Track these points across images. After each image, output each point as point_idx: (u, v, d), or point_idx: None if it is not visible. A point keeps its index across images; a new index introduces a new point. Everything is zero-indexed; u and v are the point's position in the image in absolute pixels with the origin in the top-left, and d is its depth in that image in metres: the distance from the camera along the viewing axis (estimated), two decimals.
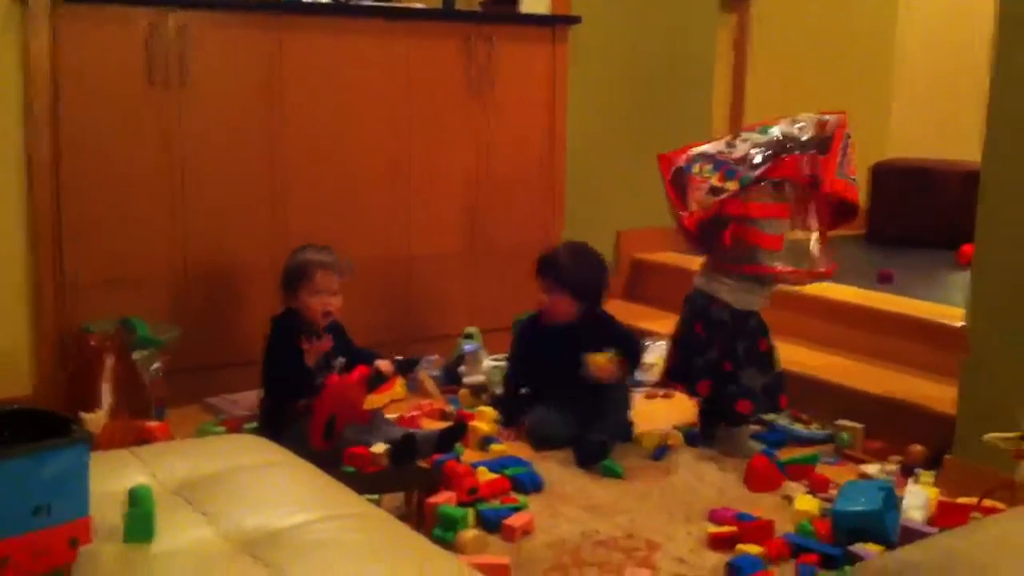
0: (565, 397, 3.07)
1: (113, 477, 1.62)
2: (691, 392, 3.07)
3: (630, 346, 3.15)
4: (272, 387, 3.01)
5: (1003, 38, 2.59)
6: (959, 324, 2.89)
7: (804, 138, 2.89)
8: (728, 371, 2.93)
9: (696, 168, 2.90)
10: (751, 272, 2.90)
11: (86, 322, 3.11)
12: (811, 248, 2.88)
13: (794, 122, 2.93)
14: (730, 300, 2.93)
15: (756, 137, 2.91)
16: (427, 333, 3.79)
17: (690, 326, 2.99)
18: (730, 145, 2.92)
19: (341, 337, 3.10)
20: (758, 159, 2.86)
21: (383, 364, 3.04)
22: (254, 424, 3.06)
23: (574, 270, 3.16)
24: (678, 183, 2.95)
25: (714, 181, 2.85)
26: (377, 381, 3.02)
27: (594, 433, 2.92)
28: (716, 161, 2.88)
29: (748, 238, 2.86)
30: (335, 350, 3.03)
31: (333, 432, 2.77)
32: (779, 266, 2.87)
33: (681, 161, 2.94)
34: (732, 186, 2.83)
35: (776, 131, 2.91)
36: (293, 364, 2.91)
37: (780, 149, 2.88)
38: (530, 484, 2.69)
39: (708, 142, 3.03)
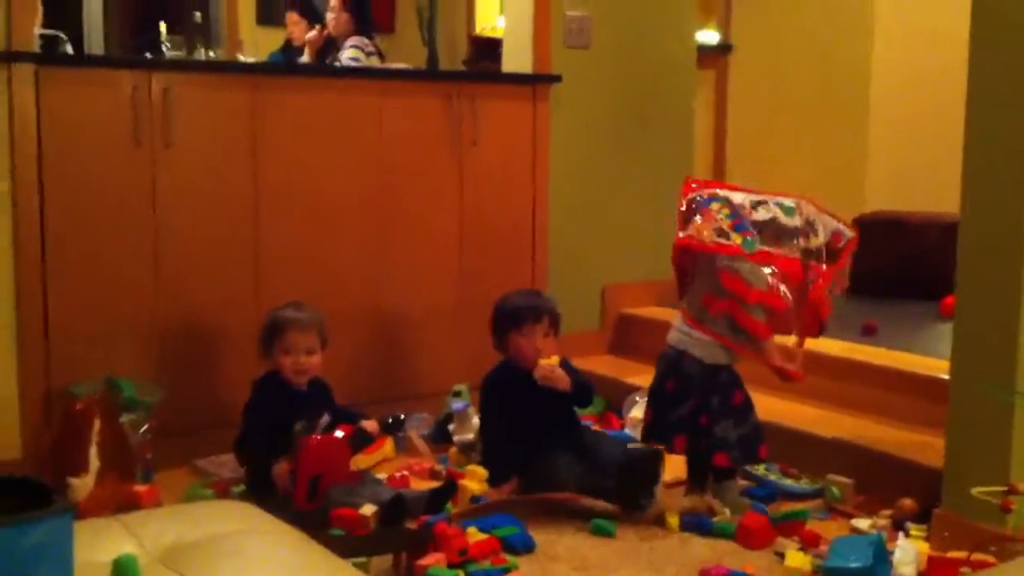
0: (565, 438, 3.07)
1: (98, 546, 1.60)
2: (668, 448, 3.06)
3: (588, 386, 3.20)
4: (237, 451, 3.01)
5: (975, 89, 2.63)
6: (945, 376, 2.89)
7: (814, 246, 2.93)
8: (703, 425, 2.93)
9: (715, 206, 2.92)
10: (726, 345, 2.94)
11: (72, 382, 3.09)
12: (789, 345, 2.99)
13: (812, 220, 2.96)
14: (701, 355, 2.94)
15: (780, 215, 2.93)
16: (416, 391, 3.77)
17: (662, 382, 3.01)
18: (755, 206, 2.94)
19: (326, 397, 3.09)
20: (770, 242, 2.90)
21: (368, 424, 3.03)
22: (242, 487, 3.03)
23: (557, 311, 3.22)
24: (689, 208, 2.98)
25: (724, 225, 2.87)
26: (363, 441, 3.00)
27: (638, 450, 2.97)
28: (734, 211, 2.91)
29: (740, 321, 2.90)
30: (320, 409, 3.02)
31: (317, 492, 2.75)
32: (753, 351, 2.94)
33: (703, 194, 2.97)
34: (736, 239, 2.85)
35: (798, 221, 2.93)
36: (259, 434, 2.90)
37: (792, 245, 2.92)
38: (521, 545, 2.67)
39: (739, 189, 3.05)
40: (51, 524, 1.35)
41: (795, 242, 2.92)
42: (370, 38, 4.99)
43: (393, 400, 3.63)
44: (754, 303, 2.89)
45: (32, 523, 1.33)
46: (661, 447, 2.97)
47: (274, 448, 2.87)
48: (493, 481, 3.09)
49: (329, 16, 5.39)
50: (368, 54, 4.87)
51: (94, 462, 2.86)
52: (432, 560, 2.44)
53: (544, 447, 3.07)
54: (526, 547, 2.67)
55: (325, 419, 3.01)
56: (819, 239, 2.96)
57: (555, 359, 3.09)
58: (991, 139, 2.59)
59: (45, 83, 3.10)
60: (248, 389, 3.05)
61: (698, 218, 2.93)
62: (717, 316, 2.92)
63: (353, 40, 4.90)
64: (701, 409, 2.93)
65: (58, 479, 2.78)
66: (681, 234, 2.95)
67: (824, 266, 2.96)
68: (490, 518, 2.81)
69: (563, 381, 3.07)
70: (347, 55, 4.87)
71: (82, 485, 2.80)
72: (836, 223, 3.02)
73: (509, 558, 2.59)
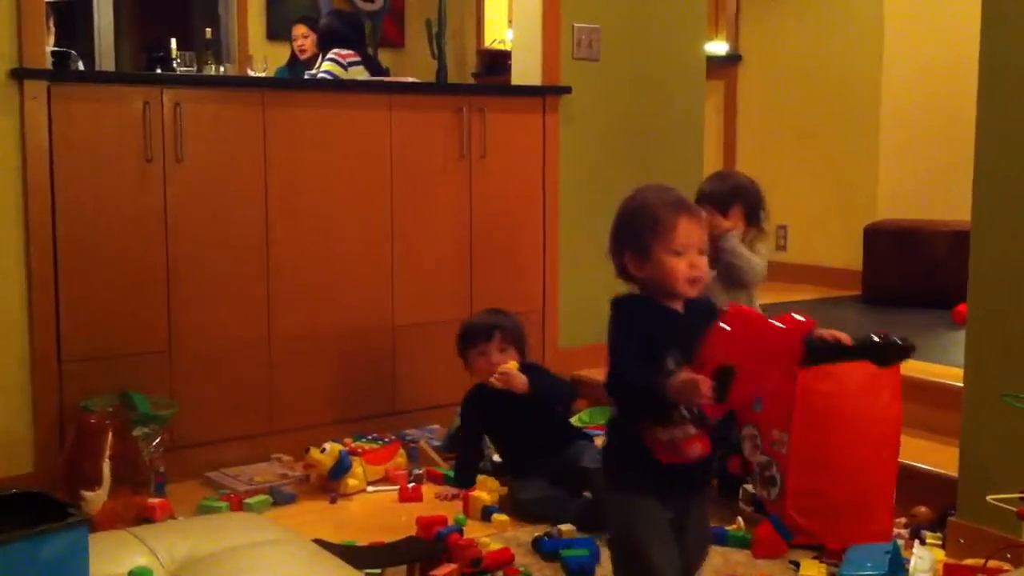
0: (545, 465, 3.06)
1: (113, 559, 1.61)
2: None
3: (559, 386, 3.30)
4: (622, 392, 2.07)
5: (985, 95, 2.63)
6: (958, 384, 2.88)
7: None
8: None
9: None
10: None
11: (85, 398, 3.09)
12: None
13: None
14: None
15: None
16: (427, 403, 3.78)
17: None
18: None
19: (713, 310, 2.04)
20: None
21: (842, 336, 1.93)
22: (257, 498, 3.04)
23: (515, 326, 3.27)
24: None
25: None
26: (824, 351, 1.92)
27: None
28: None
29: None
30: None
31: (727, 389, 1.84)
32: None
33: None
34: None
35: None
36: (639, 362, 1.97)
37: None
38: (577, 569, 2.54)
39: None
40: (68, 537, 1.35)
41: None
42: (356, 49, 4.87)
43: (403, 412, 3.64)
44: None
45: (49, 536, 1.33)
46: None
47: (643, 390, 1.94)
48: (461, 483, 3.19)
49: (295, 45, 5.30)
50: (349, 64, 4.69)
51: (107, 476, 2.86)
52: (445, 570, 2.44)
53: (520, 471, 3.12)
54: (582, 572, 2.55)
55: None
56: None
57: (513, 364, 3.13)
58: (1001, 147, 2.59)
59: (57, 99, 3.11)
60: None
61: None
62: None
63: (331, 53, 4.73)
64: None
65: (71, 493, 2.79)
66: None
67: None
68: (570, 539, 2.74)
69: (519, 383, 3.10)
70: (321, 70, 4.71)
71: (96, 498, 2.81)
72: None
73: (522, 568, 2.58)
